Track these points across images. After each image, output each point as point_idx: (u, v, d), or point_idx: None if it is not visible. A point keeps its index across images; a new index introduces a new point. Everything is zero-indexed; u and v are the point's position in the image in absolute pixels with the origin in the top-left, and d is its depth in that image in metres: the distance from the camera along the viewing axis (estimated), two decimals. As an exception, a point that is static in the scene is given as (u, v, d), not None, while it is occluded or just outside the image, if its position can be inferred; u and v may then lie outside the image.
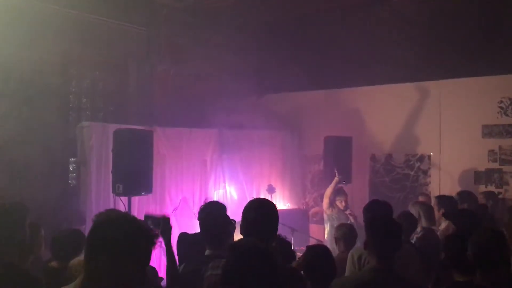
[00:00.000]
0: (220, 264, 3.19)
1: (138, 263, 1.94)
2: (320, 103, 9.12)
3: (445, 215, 4.89)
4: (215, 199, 7.19)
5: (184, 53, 8.52)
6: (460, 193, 6.17)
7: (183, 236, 4.11)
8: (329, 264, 3.53)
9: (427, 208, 5.42)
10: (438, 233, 5.29)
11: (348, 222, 7.17)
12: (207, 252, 3.51)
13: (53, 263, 3.71)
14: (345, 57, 8.56)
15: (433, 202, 5.98)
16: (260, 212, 3.09)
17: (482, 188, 7.33)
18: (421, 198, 7.03)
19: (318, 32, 8.74)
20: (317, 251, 3.63)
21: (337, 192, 7.55)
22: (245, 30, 8.80)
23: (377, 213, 4.07)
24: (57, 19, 6.81)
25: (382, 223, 3.27)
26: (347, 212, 7.29)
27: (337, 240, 5.08)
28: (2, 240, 2.94)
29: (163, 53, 8.25)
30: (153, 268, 3.41)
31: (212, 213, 3.76)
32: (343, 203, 7.36)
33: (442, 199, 5.71)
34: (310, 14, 8.40)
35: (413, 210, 5.28)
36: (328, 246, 6.59)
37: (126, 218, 2.06)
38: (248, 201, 3.27)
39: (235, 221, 4.13)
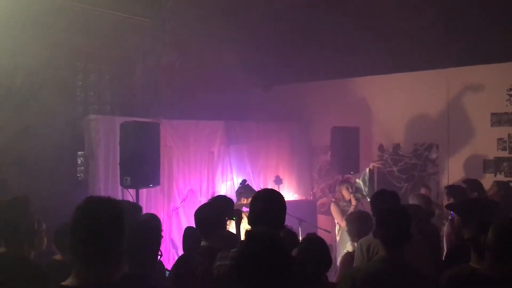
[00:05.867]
0: (229, 255, 3.23)
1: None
2: (327, 93, 9.07)
3: (448, 206, 4.84)
4: (222, 193, 7.22)
5: (189, 45, 8.50)
6: (468, 182, 6.11)
7: (189, 231, 4.15)
8: (322, 254, 3.52)
9: (426, 201, 5.38)
10: (447, 222, 5.25)
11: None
12: (202, 243, 3.62)
13: (58, 256, 3.72)
14: (351, 47, 8.48)
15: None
16: (267, 202, 3.09)
17: (491, 176, 7.26)
18: (422, 191, 6.97)
19: (324, 22, 8.67)
20: (312, 241, 3.62)
21: (343, 181, 7.44)
22: (251, 20, 8.75)
23: (385, 203, 4.03)
24: (63, 12, 6.81)
25: (392, 213, 3.25)
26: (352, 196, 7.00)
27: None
28: (7, 234, 2.95)
29: (169, 45, 8.24)
30: (160, 262, 3.44)
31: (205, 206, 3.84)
32: (350, 189, 7.09)
33: (452, 189, 5.67)
34: (316, 4, 8.34)
35: (413, 203, 5.22)
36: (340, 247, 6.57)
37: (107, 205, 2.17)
38: (255, 192, 3.28)
39: (241, 211, 4.16)
